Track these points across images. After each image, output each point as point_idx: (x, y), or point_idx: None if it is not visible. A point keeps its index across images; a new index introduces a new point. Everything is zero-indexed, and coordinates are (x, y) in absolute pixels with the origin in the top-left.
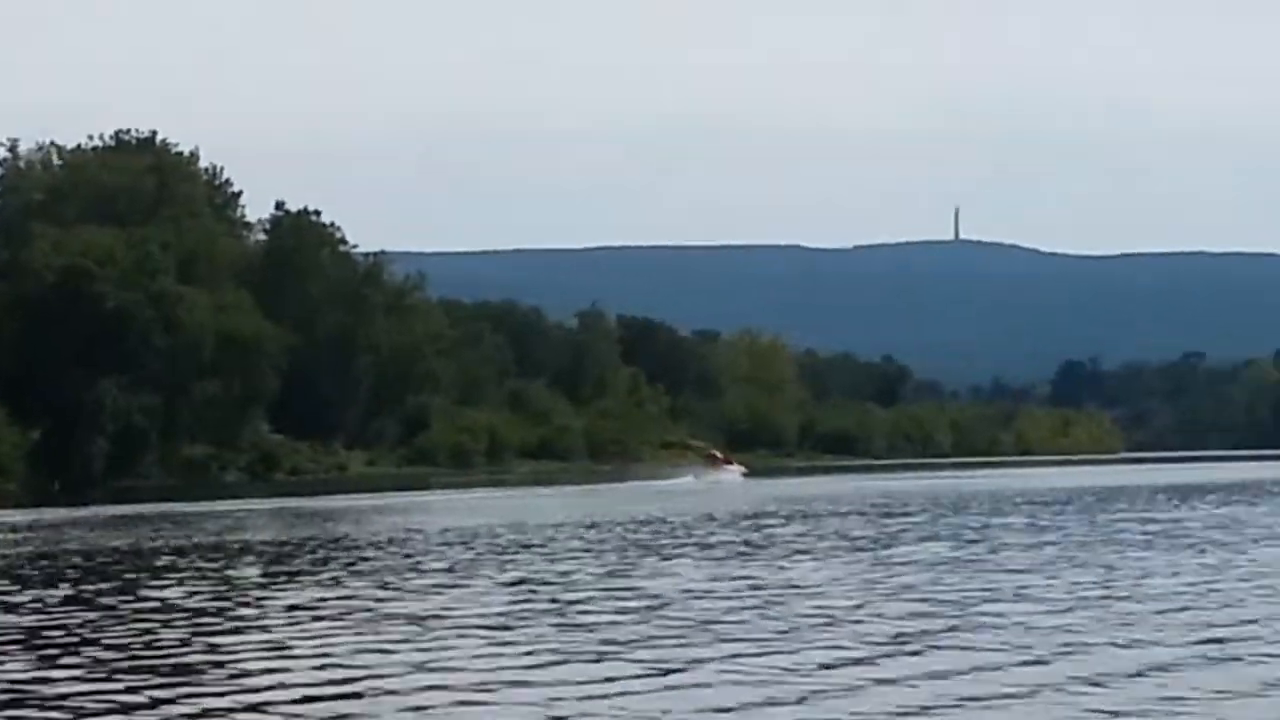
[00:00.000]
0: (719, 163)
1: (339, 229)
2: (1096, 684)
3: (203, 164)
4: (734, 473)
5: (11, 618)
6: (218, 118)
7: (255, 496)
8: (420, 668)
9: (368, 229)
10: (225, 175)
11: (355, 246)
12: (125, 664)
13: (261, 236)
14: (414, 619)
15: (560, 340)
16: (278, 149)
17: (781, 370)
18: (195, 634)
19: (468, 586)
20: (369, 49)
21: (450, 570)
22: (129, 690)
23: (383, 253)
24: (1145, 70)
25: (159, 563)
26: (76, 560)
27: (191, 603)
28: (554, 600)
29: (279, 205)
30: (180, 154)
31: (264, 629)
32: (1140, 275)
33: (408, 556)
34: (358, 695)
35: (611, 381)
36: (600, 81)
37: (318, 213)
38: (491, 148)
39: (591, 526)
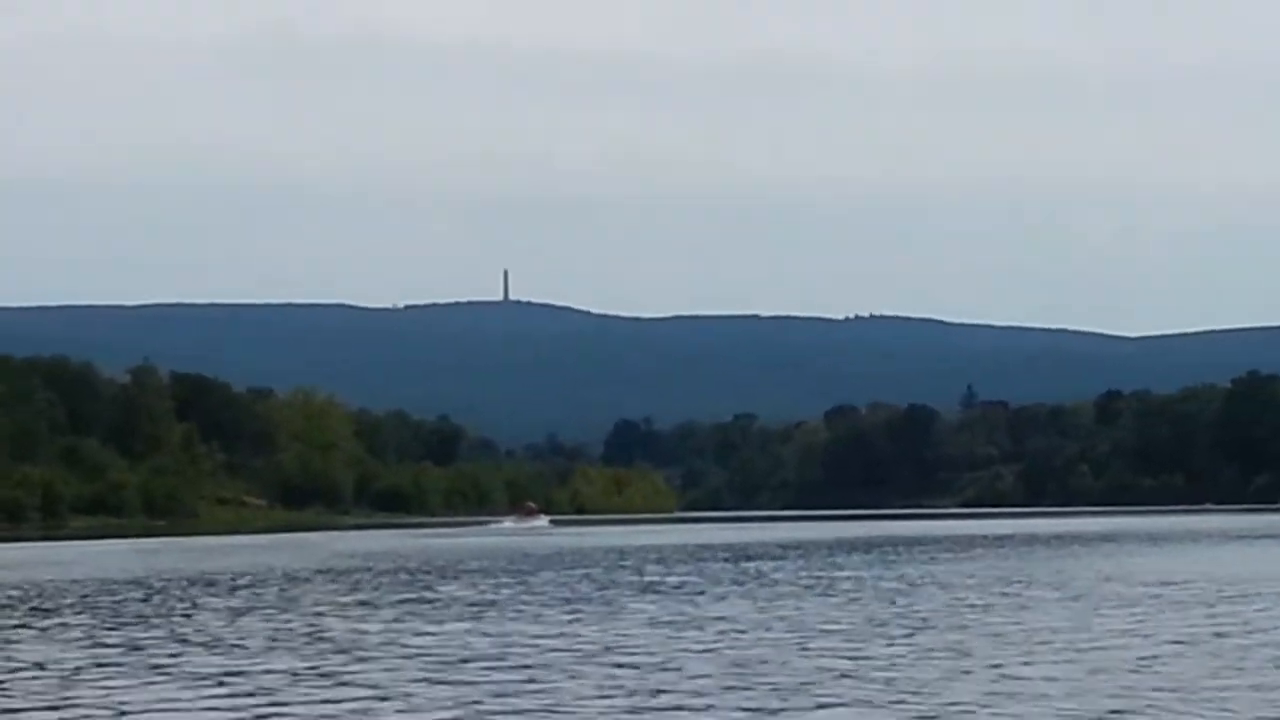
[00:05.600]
0: (270, 221)
1: None
2: None
3: None
4: (542, 521)
5: None
6: None
7: None
8: None
9: None
10: None
11: None
12: None
13: None
14: None
15: (113, 396)
16: None
17: (336, 428)
18: None
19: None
20: None
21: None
22: None
23: None
24: (694, 133)
25: None
26: None
27: None
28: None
29: None
30: None
31: None
32: (692, 337)
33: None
34: None
35: (166, 438)
36: (163, 139)
37: None
38: (42, 203)
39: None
